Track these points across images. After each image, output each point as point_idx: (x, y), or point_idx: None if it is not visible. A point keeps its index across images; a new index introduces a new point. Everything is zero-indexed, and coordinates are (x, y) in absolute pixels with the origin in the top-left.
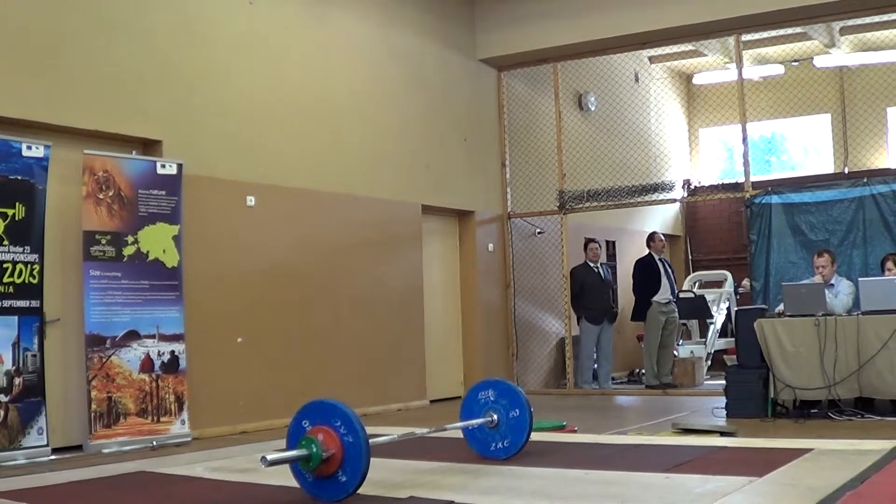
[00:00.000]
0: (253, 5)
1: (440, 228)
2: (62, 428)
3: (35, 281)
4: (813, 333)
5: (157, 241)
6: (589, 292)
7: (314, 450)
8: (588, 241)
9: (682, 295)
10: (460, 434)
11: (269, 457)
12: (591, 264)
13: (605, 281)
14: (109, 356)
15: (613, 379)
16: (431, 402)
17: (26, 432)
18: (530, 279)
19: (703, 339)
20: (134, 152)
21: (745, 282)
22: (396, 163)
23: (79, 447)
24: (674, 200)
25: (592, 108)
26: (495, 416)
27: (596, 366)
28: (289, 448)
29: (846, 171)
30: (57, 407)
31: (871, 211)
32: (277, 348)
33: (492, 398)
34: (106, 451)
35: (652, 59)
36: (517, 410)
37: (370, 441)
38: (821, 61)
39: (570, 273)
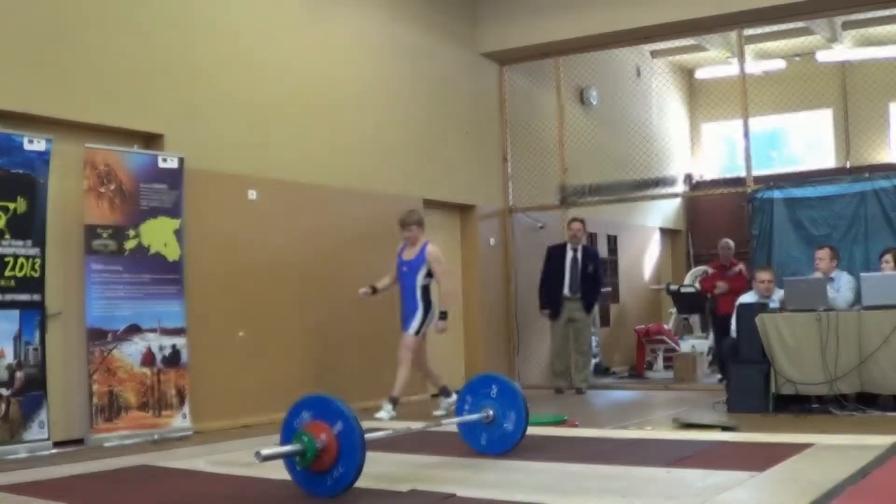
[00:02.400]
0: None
1: (442, 223)
2: (63, 421)
3: (36, 275)
4: (814, 328)
5: (158, 234)
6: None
7: (308, 445)
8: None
9: (682, 290)
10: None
11: (264, 452)
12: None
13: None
14: (111, 350)
15: (613, 374)
16: (432, 396)
17: (27, 426)
18: (532, 274)
19: (704, 334)
20: (135, 146)
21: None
22: (398, 157)
23: (80, 441)
24: (675, 195)
25: (594, 103)
26: (491, 412)
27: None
28: (283, 443)
29: (848, 166)
30: (58, 400)
31: (872, 206)
32: (278, 342)
33: (487, 393)
34: (107, 444)
35: (654, 54)
36: (513, 405)
37: (366, 436)
38: (823, 56)
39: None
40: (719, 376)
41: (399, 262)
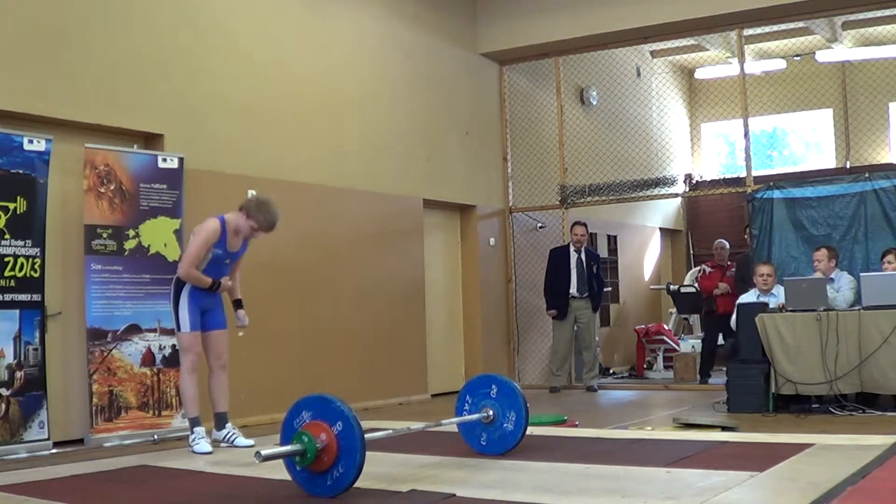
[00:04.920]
0: None
1: (441, 223)
2: (63, 422)
3: (36, 275)
4: (814, 328)
5: (158, 234)
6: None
7: (308, 445)
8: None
9: (682, 290)
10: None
11: (264, 452)
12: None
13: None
14: (111, 350)
15: (613, 374)
16: (433, 395)
17: (27, 426)
18: (531, 273)
19: (703, 335)
20: (135, 146)
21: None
22: (398, 157)
23: (80, 441)
24: (675, 195)
25: (594, 103)
26: (491, 412)
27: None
28: (283, 443)
29: (848, 166)
30: (58, 401)
31: (872, 206)
32: (278, 342)
33: (487, 393)
34: (107, 444)
35: (654, 54)
36: (513, 405)
37: (366, 436)
38: (823, 56)
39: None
40: (699, 377)
41: (222, 254)
